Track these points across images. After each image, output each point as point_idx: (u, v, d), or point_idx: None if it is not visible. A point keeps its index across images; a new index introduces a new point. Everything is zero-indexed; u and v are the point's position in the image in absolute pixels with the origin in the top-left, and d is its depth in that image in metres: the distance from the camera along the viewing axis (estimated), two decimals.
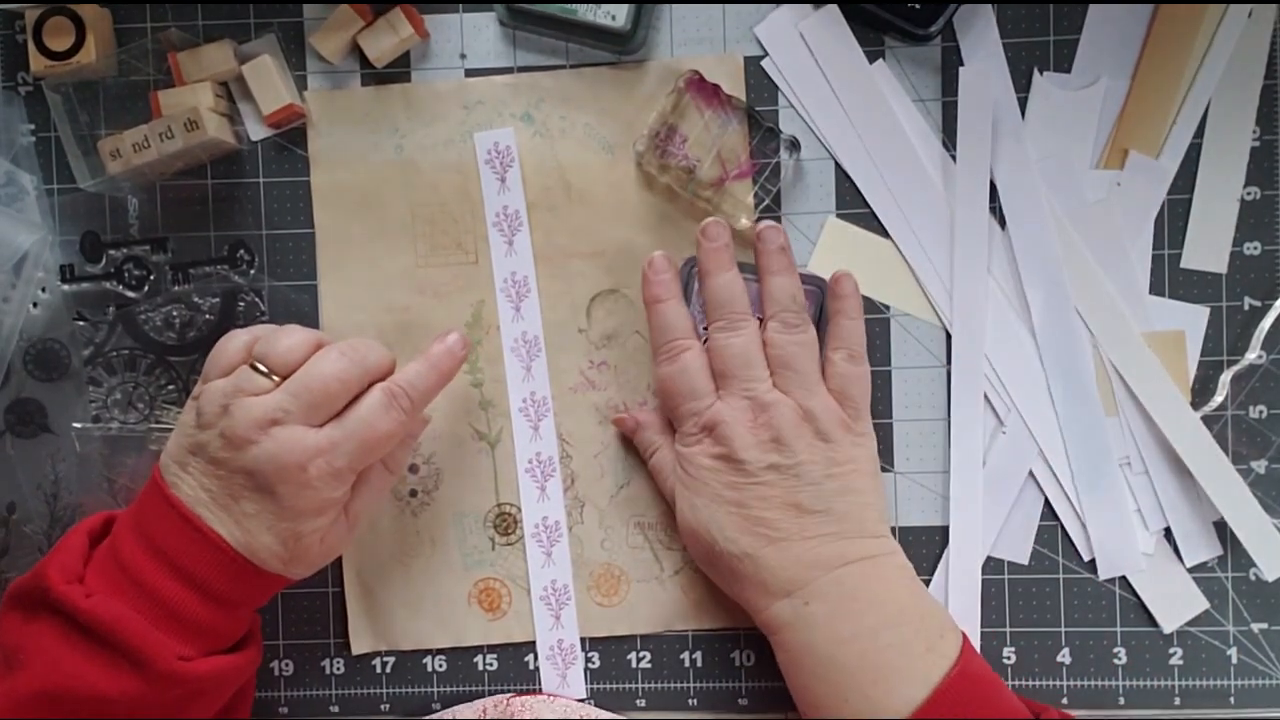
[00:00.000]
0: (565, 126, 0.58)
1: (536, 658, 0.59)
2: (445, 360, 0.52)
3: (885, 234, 0.58)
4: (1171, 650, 0.58)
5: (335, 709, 0.60)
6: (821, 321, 0.56)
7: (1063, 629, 0.58)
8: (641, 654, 0.60)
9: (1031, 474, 0.58)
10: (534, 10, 0.56)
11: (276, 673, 0.60)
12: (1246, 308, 0.57)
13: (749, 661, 0.59)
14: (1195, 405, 0.57)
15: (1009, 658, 0.58)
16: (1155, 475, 0.57)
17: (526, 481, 0.58)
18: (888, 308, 0.58)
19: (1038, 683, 0.58)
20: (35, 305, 0.59)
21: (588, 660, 0.59)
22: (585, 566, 0.59)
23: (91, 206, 0.60)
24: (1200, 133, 0.57)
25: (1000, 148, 0.57)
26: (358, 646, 0.60)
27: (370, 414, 0.49)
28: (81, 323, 0.60)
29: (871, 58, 0.57)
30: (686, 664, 0.59)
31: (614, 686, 0.59)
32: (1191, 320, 0.57)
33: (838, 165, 0.58)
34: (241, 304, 0.60)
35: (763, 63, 0.58)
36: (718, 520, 0.51)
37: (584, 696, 0.57)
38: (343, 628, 0.60)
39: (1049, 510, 0.58)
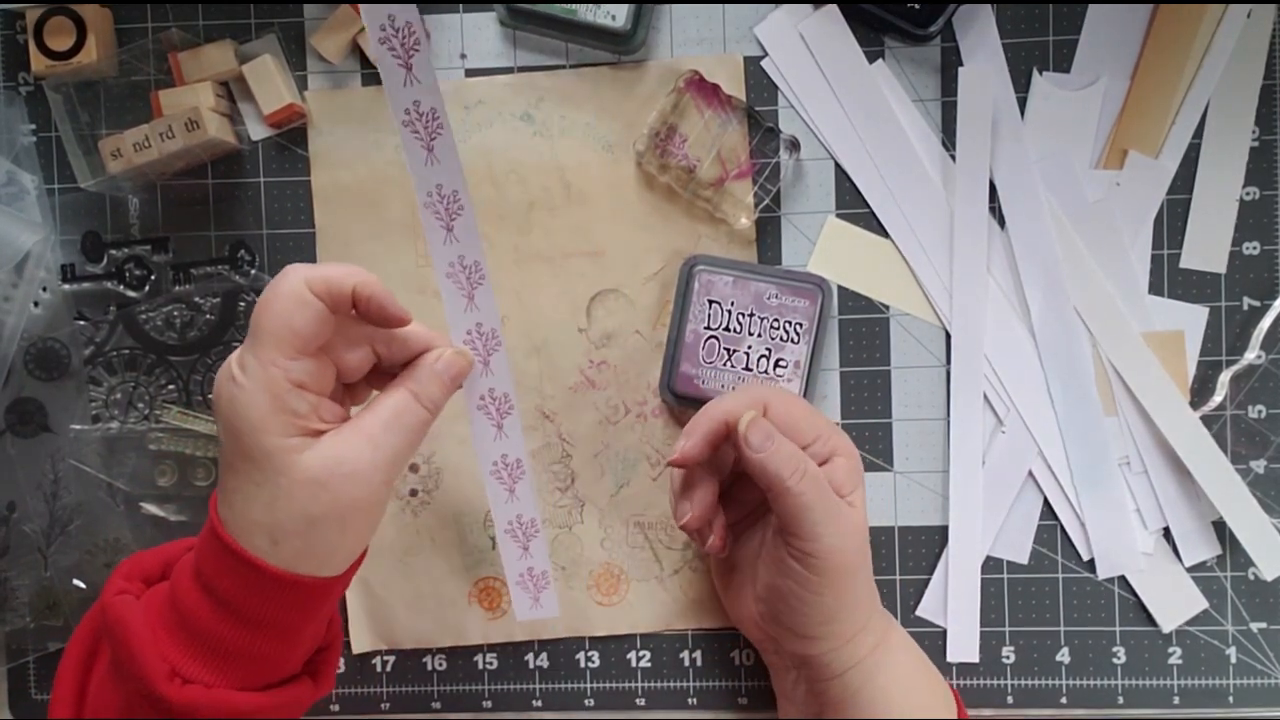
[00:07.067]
0: (565, 126, 0.58)
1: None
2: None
3: (885, 234, 0.58)
4: (1170, 650, 0.58)
5: (336, 708, 0.60)
6: (821, 324, 0.56)
7: (1062, 628, 0.58)
8: (641, 653, 0.60)
9: (1031, 473, 0.58)
10: (534, 10, 0.56)
11: None
12: (1245, 308, 0.57)
13: (748, 660, 0.59)
14: (1194, 405, 0.57)
15: (1008, 657, 0.58)
16: (1154, 475, 0.57)
17: (479, 419, 0.49)
18: (887, 307, 0.58)
19: (1037, 682, 0.58)
20: (36, 305, 0.59)
21: (587, 659, 0.59)
22: (585, 565, 0.59)
23: (92, 206, 0.60)
24: (1199, 133, 0.57)
25: (1000, 148, 0.57)
26: (358, 645, 0.60)
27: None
28: (82, 322, 0.60)
29: (871, 58, 0.58)
30: (686, 663, 0.59)
31: (614, 685, 0.59)
32: (1191, 320, 0.57)
33: (837, 165, 0.58)
34: (242, 304, 0.60)
35: (762, 63, 0.58)
36: None
37: (558, 615, 0.50)
38: (343, 627, 0.60)
39: (1048, 510, 0.58)
